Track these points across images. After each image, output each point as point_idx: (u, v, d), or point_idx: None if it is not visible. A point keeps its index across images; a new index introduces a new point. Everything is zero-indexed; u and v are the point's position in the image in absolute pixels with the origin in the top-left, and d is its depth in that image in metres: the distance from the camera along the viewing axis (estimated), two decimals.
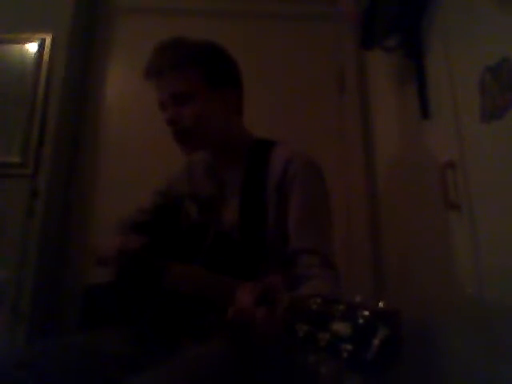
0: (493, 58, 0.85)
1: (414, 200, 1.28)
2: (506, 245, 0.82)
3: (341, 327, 0.39)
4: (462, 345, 0.97)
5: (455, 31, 1.03)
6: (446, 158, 1.03)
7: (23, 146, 1.50)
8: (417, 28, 1.19)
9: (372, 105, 1.74)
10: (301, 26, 1.87)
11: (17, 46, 1.60)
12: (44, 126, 1.53)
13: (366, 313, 0.39)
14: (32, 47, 1.60)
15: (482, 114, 0.89)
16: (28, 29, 1.61)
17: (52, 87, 1.57)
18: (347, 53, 1.82)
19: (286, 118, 1.74)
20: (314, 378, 0.80)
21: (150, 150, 1.65)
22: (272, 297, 0.53)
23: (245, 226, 0.90)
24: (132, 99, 1.74)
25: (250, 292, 0.57)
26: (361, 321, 0.38)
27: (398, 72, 1.39)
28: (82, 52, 1.76)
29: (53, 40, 1.61)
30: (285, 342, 0.53)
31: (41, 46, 1.60)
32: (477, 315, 0.90)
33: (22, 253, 1.40)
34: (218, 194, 1.00)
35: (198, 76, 0.93)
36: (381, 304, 0.40)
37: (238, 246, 0.86)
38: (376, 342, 0.37)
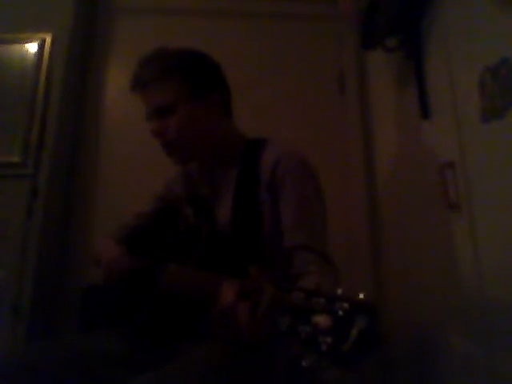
0: (493, 58, 0.85)
1: (414, 200, 1.28)
2: (505, 245, 0.82)
3: (321, 320, 0.40)
4: (461, 343, 0.97)
5: (455, 31, 1.03)
6: (446, 158, 1.03)
7: (23, 146, 1.50)
8: (417, 28, 1.19)
9: (372, 105, 1.74)
10: (301, 26, 1.87)
11: (17, 46, 1.60)
12: (44, 126, 1.53)
13: (346, 305, 0.39)
14: (32, 47, 1.60)
15: (482, 114, 0.89)
16: (28, 29, 1.61)
17: (52, 87, 1.57)
18: (347, 53, 1.83)
19: (286, 117, 1.74)
20: (313, 377, 0.81)
21: (150, 150, 1.63)
22: (257, 292, 0.53)
23: (237, 226, 0.90)
24: (132, 99, 1.73)
25: (233, 288, 0.58)
26: (340, 313, 0.39)
27: (397, 72, 1.39)
28: (82, 52, 1.76)
29: (53, 40, 1.61)
30: (269, 337, 0.53)
31: (41, 46, 1.60)
32: (477, 314, 0.90)
33: (22, 253, 1.40)
34: (212, 196, 1.00)
35: (180, 86, 0.92)
36: (361, 296, 0.40)
37: (231, 245, 0.86)
38: (354, 332, 0.37)
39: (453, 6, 1.04)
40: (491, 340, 0.85)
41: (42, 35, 1.61)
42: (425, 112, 1.16)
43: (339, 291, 0.42)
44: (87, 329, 0.96)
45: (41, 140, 1.51)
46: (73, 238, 1.60)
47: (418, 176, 1.25)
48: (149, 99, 0.95)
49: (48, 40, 1.61)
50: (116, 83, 1.78)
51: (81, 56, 1.75)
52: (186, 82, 0.93)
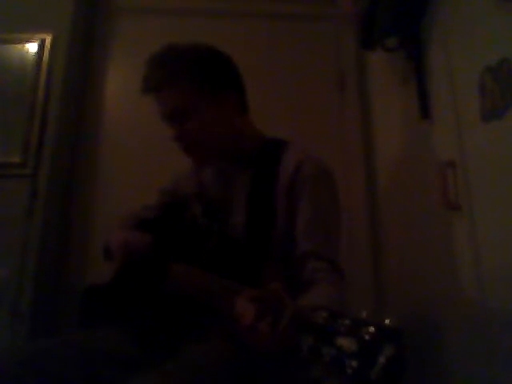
0: (493, 57, 0.85)
1: (414, 200, 1.28)
2: (506, 245, 0.82)
3: (346, 342, 0.39)
4: (461, 345, 0.97)
5: (455, 31, 1.03)
6: (446, 158, 1.03)
7: (23, 146, 1.49)
8: (417, 28, 1.19)
9: (372, 105, 1.74)
10: (301, 26, 1.87)
11: (17, 46, 1.60)
12: (44, 126, 1.53)
13: (372, 329, 0.38)
14: (32, 47, 1.60)
15: (481, 114, 0.89)
16: (28, 29, 1.61)
17: (52, 87, 1.57)
18: (347, 53, 1.82)
19: (286, 117, 1.73)
20: None
21: (149, 150, 1.64)
22: (275, 307, 0.52)
23: (252, 229, 0.89)
24: (132, 99, 1.73)
25: (252, 303, 0.55)
26: (366, 337, 0.38)
27: (398, 72, 1.39)
28: (82, 52, 1.76)
29: (53, 40, 1.61)
30: (289, 355, 0.53)
31: (41, 46, 1.59)
32: (477, 315, 0.90)
33: (22, 253, 1.40)
34: (225, 196, 0.99)
35: (197, 87, 0.91)
36: (387, 321, 0.39)
37: (242, 248, 0.86)
38: (382, 359, 0.36)
39: (453, 6, 1.04)
40: (491, 340, 0.85)
41: (41, 35, 1.61)
42: (425, 112, 1.16)
43: (364, 314, 0.41)
44: (87, 328, 0.96)
45: (41, 140, 1.51)
46: (73, 238, 1.60)
47: (418, 176, 1.25)
48: (163, 102, 0.93)
49: (48, 40, 1.61)
50: (116, 83, 1.78)
51: (81, 56, 1.75)
52: (203, 81, 0.92)
